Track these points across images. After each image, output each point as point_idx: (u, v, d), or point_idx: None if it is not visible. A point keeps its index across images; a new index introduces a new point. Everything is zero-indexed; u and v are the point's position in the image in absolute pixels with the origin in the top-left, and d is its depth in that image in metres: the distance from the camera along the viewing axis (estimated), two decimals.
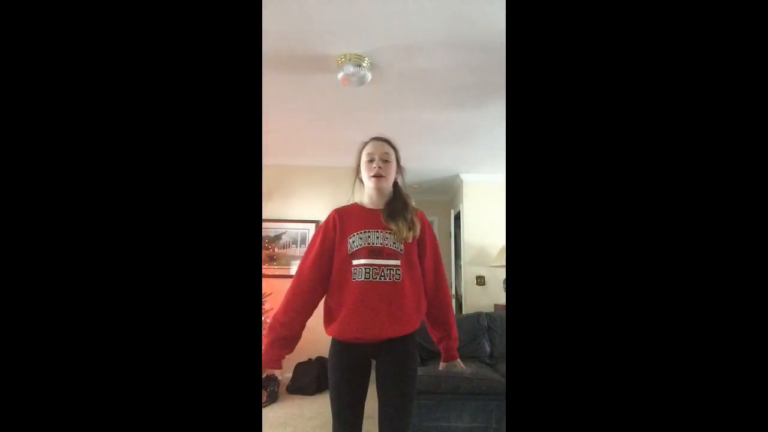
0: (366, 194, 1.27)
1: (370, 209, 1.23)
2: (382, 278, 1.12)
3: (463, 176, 4.06)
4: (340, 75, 2.03)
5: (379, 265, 1.12)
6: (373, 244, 1.15)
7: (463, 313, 3.66)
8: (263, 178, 2.72)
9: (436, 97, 2.43)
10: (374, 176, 1.21)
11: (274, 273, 3.52)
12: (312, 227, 3.63)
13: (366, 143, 1.27)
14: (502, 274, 3.76)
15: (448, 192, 4.82)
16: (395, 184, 1.29)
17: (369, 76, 2.06)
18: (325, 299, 1.20)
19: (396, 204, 1.23)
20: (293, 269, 3.55)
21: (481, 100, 2.46)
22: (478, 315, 2.94)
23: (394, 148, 1.28)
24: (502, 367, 2.48)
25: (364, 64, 2.01)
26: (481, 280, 3.91)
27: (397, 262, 1.14)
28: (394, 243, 1.15)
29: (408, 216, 1.18)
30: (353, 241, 1.15)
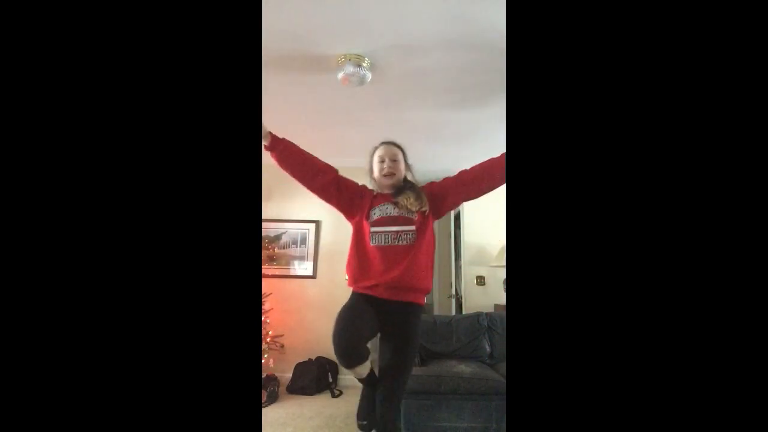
0: (379, 188, 1.45)
1: (385, 193, 1.42)
2: (399, 242, 1.29)
3: None
4: (340, 75, 2.03)
5: (397, 231, 1.30)
6: (390, 214, 1.33)
7: (463, 313, 3.66)
8: (263, 178, 2.71)
9: (436, 97, 2.43)
10: (385, 175, 1.39)
11: (274, 273, 3.51)
12: (312, 227, 3.63)
13: (376, 147, 1.46)
14: (502, 274, 3.75)
15: None
16: (405, 178, 1.45)
17: (369, 76, 2.05)
18: (348, 262, 1.37)
19: (404, 186, 1.41)
20: (293, 269, 3.56)
21: (481, 100, 2.46)
22: (478, 315, 2.93)
23: (401, 149, 1.46)
24: (502, 367, 2.48)
25: (364, 64, 2.01)
26: (481, 280, 3.90)
27: (413, 228, 1.30)
28: (407, 212, 1.32)
29: (415, 189, 1.36)
30: (374, 213, 1.34)
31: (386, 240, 1.29)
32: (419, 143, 3.25)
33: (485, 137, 3.07)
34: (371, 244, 1.30)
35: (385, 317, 1.29)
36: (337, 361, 1.17)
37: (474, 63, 2.03)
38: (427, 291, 1.36)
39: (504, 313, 3.03)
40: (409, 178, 1.45)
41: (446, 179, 1.42)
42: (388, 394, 1.24)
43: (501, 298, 3.72)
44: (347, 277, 1.38)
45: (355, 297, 1.32)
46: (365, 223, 1.34)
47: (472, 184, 1.36)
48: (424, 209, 1.32)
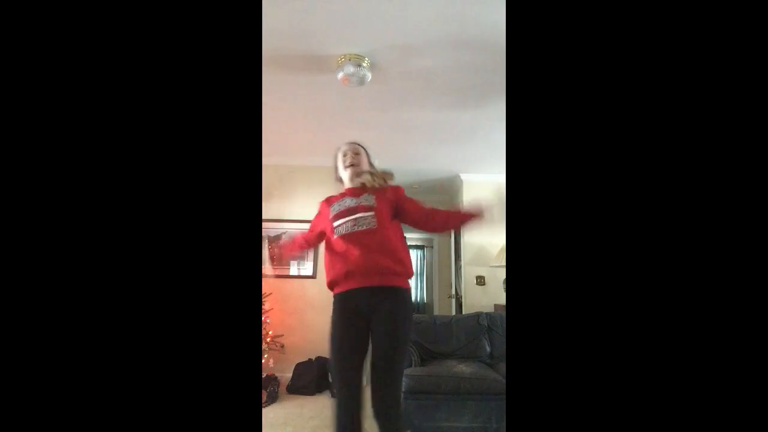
0: (345, 182, 1.50)
1: (347, 187, 1.48)
2: (359, 227, 1.29)
3: (463, 176, 4.06)
4: (340, 75, 2.03)
5: (355, 219, 1.31)
6: (348, 205, 1.36)
7: (463, 313, 3.66)
8: (263, 178, 2.72)
9: (436, 97, 2.43)
10: (348, 166, 1.46)
11: (274, 273, 3.51)
12: None
13: (339, 147, 1.55)
14: (502, 274, 3.76)
15: (448, 192, 4.82)
16: (370, 173, 1.48)
17: (369, 76, 2.06)
18: (324, 262, 1.39)
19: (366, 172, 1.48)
20: (293, 269, 3.56)
21: (481, 100, 2.46)
22: (478, 315, 2.94)
23: (363, 148, 1.54)
24: (502, 367, 2.48)
25: (364, 64, 2.01)
26: (481, 280, 3.91)
27: (371, 213, 1.32)
28: (366, 200, 1.36)
29: (375, 171, 1.45)
30: (333, 208, 1.38)
31: (346, 228, 1.31)
32: (419, 143, 3.25)
33: (485, 137, 3.07)
34: (334, 237, 1.33)
35: (372, 308, 1.25)
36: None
37: (474, 63, 2.03)
38: (407, 273, 1.32)
39: (504, 313, 3.03)
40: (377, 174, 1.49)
41: (409, 200, 1.45)
42: (383, 384, 1.19)
43: (501, 298, 3.72)
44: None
45: (339, 304, 1.32)
46: (328, 223, 1.38)
47: (415, 214, 1.40)
48: (383, 184, 1.40)
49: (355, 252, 1.26)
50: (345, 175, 1.48)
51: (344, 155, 1.49)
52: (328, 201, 1.47)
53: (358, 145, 1.53)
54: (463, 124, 2.85)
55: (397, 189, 1.45)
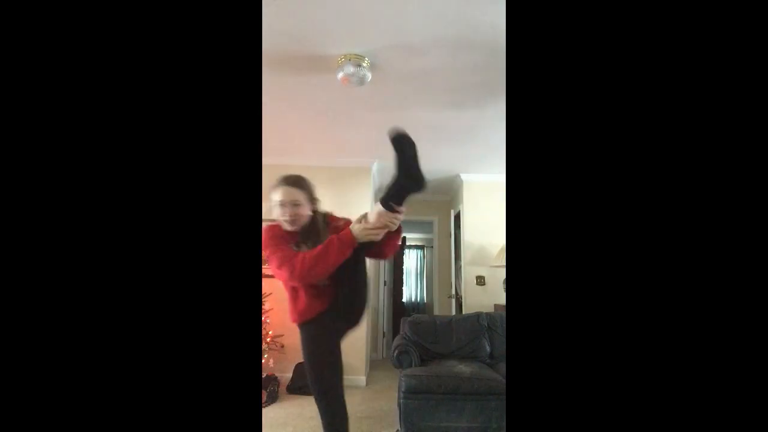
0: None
1: (290, 232, 1.33)
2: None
3: (463, 176, 4.05)
4: (340, 75, 2.03)
5: None
6: None
7: (463, 313, 3.66)
8: (263, 178, 2.71)
9: (436, 97, 2.43)
10: (286, 221, 1.29)
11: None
12: None
13: (275, 186, 1.31)
14: (502, 274, 3.75)
15: (448, 192, 4.82)
16: (313, 216, 1.35)
17: (369, 76, 2.06)
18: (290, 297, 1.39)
19: (311, 228, 1.33)
20: None
21: (481, 100, 2.46)
22: (478, 315, 2.94)
23: (303, 188, 1.32)
24: (502, 367, 2.48)
25: (364, 64, 2.01)
26: (481, 280, 3.90)
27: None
28: None
29: (315, 236, 1.30)
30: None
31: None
32: (419, 143, 3.24)
33: (485, 137, 3.07)
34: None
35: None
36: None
37: (474, 63, 2.03)
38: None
39: (504, 313, 3.03)
40: (319, 210, 1.37)
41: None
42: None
43: (501, 298, 3.72)
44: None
45: (306, 331, 1.36)
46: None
47: None
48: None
49: (322, 294, 1.34)
50: (284, 224, 1.31)
51: (282, 206, 1.28)
52: (276, 229, 1.32)
53: (296, 188, 1.30)
54: (463, 124, 2.85)
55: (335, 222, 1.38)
